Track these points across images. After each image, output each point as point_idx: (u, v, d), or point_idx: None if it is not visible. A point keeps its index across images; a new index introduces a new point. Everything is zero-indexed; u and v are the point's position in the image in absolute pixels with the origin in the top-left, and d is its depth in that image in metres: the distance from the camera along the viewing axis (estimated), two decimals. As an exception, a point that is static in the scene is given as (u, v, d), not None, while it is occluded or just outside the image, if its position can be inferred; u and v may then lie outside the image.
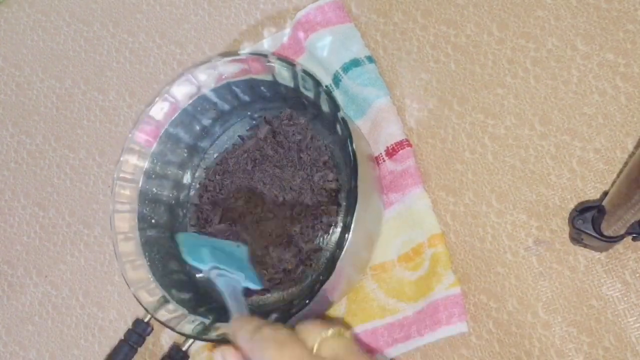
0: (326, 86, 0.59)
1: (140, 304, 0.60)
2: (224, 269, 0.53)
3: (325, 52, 0.69)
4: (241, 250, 0.59)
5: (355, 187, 0.54)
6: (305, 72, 0.59)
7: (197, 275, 0.66)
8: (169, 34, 0.81)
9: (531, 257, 0.60)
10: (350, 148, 0.55)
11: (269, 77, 0.64)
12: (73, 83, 0.84)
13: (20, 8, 0.89)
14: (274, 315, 0.56)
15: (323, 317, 0.64)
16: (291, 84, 0.62)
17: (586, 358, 0.57)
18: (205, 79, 0.66)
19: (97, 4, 0.85)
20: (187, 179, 0.72)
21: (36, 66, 0.86)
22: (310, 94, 0.61)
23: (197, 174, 0.73)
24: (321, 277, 0.53)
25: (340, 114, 0.56)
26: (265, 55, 0.62)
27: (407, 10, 0.70)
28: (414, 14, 0.70)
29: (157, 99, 0.66)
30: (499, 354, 0.59)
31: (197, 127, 0.70)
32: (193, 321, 0.60)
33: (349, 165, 0.56)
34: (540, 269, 0.60)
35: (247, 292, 0.55)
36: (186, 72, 0.65)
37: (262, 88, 0.66)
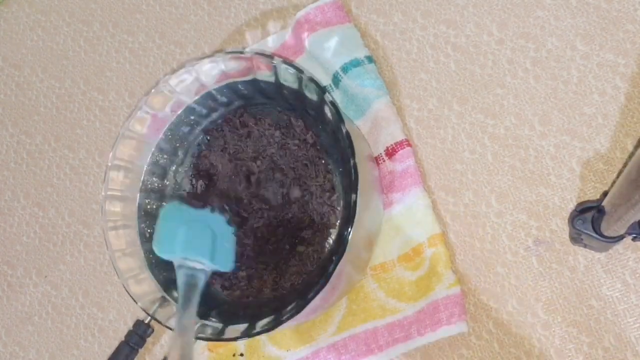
0: (325, 87, 0.58)
1: (150, 315, 0.60)
2: (192, 259, 0.56)
3: (330, 53, 0.68)
4: (217, 219, 0.60)
5: (355, 202, 0.53)
6: (311, 79, 0.57)
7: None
8: (169, 34, 0.81)
9: (531, 257, 0.60)
10: (351, 162, 0.54)
11: (262, 78, 0.63)
12: (73, 83, 0.84)
13: (20, 8, 0.89)
14: (293, 304, 0.55)
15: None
16: (295, 86, 0.61)
17: (586, 358, 0.57)
18: (187, 86, 0.63)
19: (97, 4, 0.85)
20: (169, 186, 0.70)
21: (36, 66, 0.86)
22: (314, 97, 0.60)
23: (178, 180, 0.70)
24: (334, 258, 0.53)
25: (344, 129, 0.55)
26: (266, 55, 0.61)
27: (407, 10, 0.70)
28: (414, 14, 0.70)
29: (135, 111, 0.63)
30: (499, 354, 0.59)
31: (178, 135, 0.68)
32: (202, 325, 0.59)
33: (348, 176, 0.55)
34: (540, 269, 0.60)
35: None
36: (162, 80, 0.62)
37: (239, 86, 0.65)
